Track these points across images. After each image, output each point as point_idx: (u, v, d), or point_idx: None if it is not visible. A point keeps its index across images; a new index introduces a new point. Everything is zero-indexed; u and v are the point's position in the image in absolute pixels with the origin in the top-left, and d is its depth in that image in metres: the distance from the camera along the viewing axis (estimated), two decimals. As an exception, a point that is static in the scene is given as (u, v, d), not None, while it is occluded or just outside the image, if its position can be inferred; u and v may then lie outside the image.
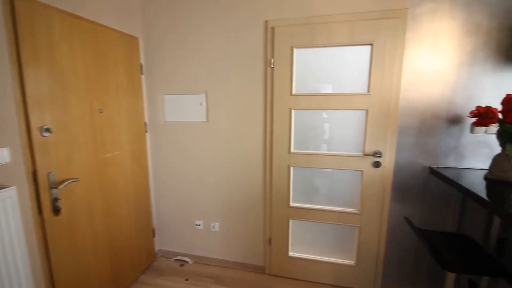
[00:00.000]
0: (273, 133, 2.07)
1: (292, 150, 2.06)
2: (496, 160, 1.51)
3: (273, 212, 2.19)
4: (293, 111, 2.01)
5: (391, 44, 1.77)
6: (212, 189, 2.31)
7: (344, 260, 2.13)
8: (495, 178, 1.51)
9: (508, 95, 1.41)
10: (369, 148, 1.91)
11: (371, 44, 1.81)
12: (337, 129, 1.98)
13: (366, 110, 1.88)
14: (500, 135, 1.45)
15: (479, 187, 1.44)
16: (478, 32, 1.68)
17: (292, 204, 2.14)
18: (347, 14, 1.81)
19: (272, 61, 1.98)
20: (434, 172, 1.79)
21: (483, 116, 1.48)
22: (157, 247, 2.56)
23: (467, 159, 1.81)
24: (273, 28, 1.95)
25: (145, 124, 2.31)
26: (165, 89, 2.27)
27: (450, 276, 1.35)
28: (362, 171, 1.95)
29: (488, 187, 1.45)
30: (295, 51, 1.94)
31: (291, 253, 2.22)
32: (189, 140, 2.29)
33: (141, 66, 2.23)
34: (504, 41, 1.65)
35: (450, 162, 1.83)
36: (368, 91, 1.85)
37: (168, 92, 2.27)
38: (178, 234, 2.49)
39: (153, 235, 2.48)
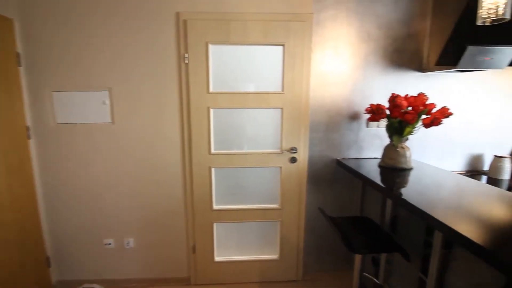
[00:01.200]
0: (191, 133, 1.94)
1: (213, 150, 1.98)
2: (386, 149, 1.77)
3: (195, 217, 2.06)
4: (211, 110, 1.93)
5: (300, 46, 1.87)
6: (123, 200, 2.03)
7: (269, 256, 2.17)
8: (386, 165, 1.76)
9: (392, 94, 1.66)
10: (286, 145, 1.98)
11: (283, 45, 1.87)
12: (256, 128, 1.99)
13: (282, 108, 1.94)
14: (388, 129, 1.70)
15: (374, 174, 1.65)
16: (369, 39, 1.93)
17: (215, 207, 2.06)
18: (261, 13, 1.83)
19: (186, 56, 1.85)
20: (340, 163, 1.99)
21: (375, 112, 1.71)
22: (55, 278, 2.10)
23: (365, 150, 2.07)
24: (185, 21, 1.82)
25: (27, 128, 1.86)
26: (54, 85, 1.86)
27: (358, 257, 1.51)
28: (281, 167, 2.02)
29: (381, 173, 1.68)
30: (211, 47, 1.86)
31: (217, 258, 2.14)
32: (91, 146, 1.95)
33: (17, 55, 1.78)
34: (389, 48, 1.94)
35: (352, 154, 2.06)
36: (283, 90, 1.92)
37: (59, 88, 1.87)
38: (83, 258, 2.10)
39: (48, 265, 2.02)
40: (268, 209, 2.08)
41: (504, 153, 2.17)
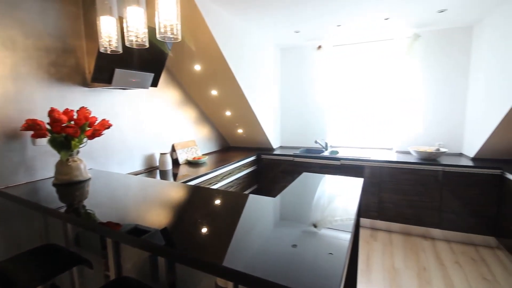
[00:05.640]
0: None
1: None
2: (57, 166, 1.69)
3: None
4: None
5: None
6: None
7: None
8: (61, 182, 1.69)
9: (52, 108, 1.61)
10: None
11: None
12: None
13: None
14: (53, 144, 1.64)
15: (50, 195, 1.54)
16: (15, 48, 1.69)
17: None
18: None
19: None
20: (1, 194, 1.61)
21: (33, 128, 1.56)
22: None
23: (39, 171, 1.84)
24: None
25: None
26: None
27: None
28: None
29: (58, 192, 1.60)
30: None
31: None
32: None
33: None
34: (43, 61, 1.83)
35: (22, 178, 1.76)
36: None
37: None
38: None
39: None
40: None
41: (166, 150, 2.93)
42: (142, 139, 2.64)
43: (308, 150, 3.95)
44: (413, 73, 3.35)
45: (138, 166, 2.61)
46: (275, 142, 4.04)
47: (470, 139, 3.09)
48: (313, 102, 3.98)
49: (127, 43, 1.25)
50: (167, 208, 1.36)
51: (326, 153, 3.60)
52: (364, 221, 3.23)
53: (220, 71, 2.83)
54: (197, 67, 2.89)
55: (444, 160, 2.94)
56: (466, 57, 3.13)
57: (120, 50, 1.42)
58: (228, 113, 3.49)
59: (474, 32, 3.03)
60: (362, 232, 3.11)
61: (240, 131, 3.80)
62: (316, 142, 3.67)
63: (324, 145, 3.75)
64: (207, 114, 3.66)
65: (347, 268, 1.34)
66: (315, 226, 1.09)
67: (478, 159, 2.95)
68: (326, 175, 1.87)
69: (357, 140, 3.87)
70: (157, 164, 2.81)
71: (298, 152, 3.72)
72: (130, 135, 2.51)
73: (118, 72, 1.92)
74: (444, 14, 2.67)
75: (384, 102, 3.62)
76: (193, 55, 2.77)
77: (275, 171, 3.66)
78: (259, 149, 3.91)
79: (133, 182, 1.85)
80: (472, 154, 3.02)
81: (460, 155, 3.23)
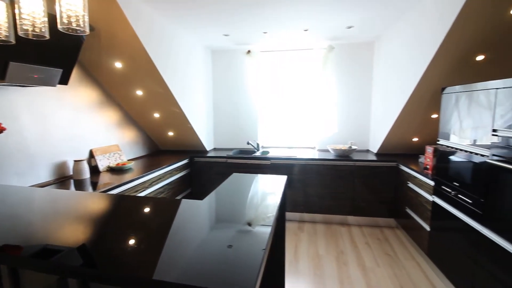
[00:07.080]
0: None
1: None
2: None
3: None
4: None
5: None
6: None
7: None
8: None
9: None
10: None
11: None
12: None
13: None
14: None
15: None
16: None
17: None
18: None
19: None
20: None
21: None
22: None
23: None
24: None
25: None
26: None
27: None
28: None
29: None
30: None
31: None
32: None
33: None
34: None
35: None
36: None
37: None
38: None
39: None
40: None
41: (82, 157, 2.59)
42: (49, 145, 2.27)
43: (241, 151, 4.04)
44: (329, 80, 3.79)
45: (46, 176, 2.24)
46: (208, 144, 4.00)
47: (374, 138, 3.67)
48: (245, 104, 4.09)
49: (20, 33, 1.06)
50: (84, 222, 1.21)
51: (257, 154, 3.75)
52: (294, 215, 3.48)
53: (145, 69, 2.65)
54: (118, 65, 2.64)
55: (355, 156, 3.41)
56: (369, 67, 3.71)
57: (12, 40, 1.19)
58: (156, 115, 3.29)
59: (375, 46, 3.61)
60: (291, 225, 3.35)
61: (170, 133, 3.63)
62: (248, 143, 3.78)
63: (256, 146, 3.89)
64: (132, 116, 3.37)
65: (274, 261, 1.42)
66: (249, 224, 1.13)
67: (380, 154, 3.52)
68: (259, 175, 1.95)
69: (285, 140, 4.15)
70: (71, 173, 2.45)
71: (231, 154, 3.77)
72: (34, 140, 2.13)
73: (13, 66, 1.61)
74: (351, 30, 3.10)
75: (306, 105, 3.98)
76: (113, 51, 2.52)
77: (208, 174, 3.63)
78: (192, 152, 3.81)
79: (38, 196, 1.58)
80: (375, 150, 3.59)
81: (367, 151, 3.80)
